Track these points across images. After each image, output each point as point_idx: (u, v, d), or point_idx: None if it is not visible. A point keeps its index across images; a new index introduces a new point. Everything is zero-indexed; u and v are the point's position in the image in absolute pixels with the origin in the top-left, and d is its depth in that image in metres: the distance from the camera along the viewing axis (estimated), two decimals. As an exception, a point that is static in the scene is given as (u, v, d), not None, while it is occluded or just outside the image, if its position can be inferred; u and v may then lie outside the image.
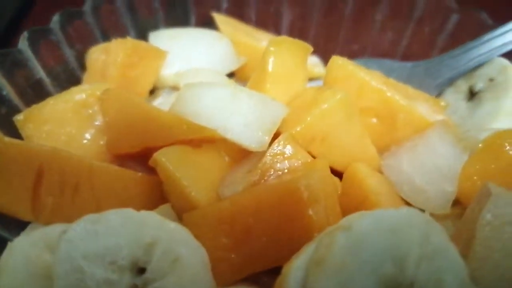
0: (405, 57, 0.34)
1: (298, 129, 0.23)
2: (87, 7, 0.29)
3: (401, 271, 0.15)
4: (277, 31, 0.36)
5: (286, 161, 0.22)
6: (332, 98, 0.23)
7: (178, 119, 0.22)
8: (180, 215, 0.21)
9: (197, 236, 0.19)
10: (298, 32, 0.36)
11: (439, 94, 0.32)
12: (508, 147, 0.22)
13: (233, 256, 0.20)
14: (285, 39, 0.26)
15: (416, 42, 0.34)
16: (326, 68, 0.27)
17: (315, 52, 0.36)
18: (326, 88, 0.25)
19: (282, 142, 0.22)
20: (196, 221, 0.20)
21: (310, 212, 0.19)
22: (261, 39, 0.33)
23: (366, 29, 0.35)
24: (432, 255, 0.16)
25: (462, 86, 0.30)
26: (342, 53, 0.35)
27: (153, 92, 0.30)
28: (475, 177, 0.22)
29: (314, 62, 0.33)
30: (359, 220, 0.16)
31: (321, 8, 0.35)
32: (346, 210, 0.22)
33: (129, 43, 0.26)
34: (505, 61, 0.29)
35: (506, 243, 0.18)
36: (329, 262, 0.15)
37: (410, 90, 0.27)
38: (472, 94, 0.30)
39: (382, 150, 0.26)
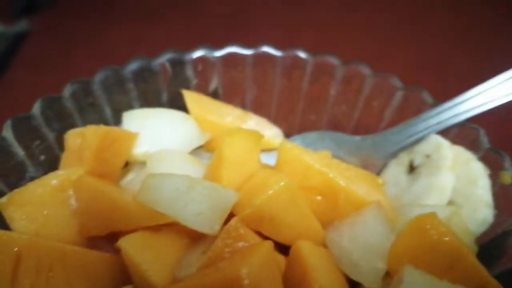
0: (357, 127, 0.38)
1: (247, 212, 0.26)
2: (65, 92, 0.33)
3: None
4: (243, 105, 0.39)
5: (236, 243, 0.25)
6: (276, 184, 0.26)
7: (140, 208, 0.25)
8: (142, 294, 0.24)
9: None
10: (261, 104, 0.40)
11: (384, 165, 0.35)
12: (431, 231, 0.25)
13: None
14: (239, 130, 0.29)
15: (366, 115, 0.37)
16: (278, 151, 0.30)
17: (277, 122, 0.40)
18: (274, 173, 0.28)
19: (233, 225, 0.25)
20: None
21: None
22: (226, 115, 0.36)
23: (323, 102, 0.39)
24: None
25: (404, 159, 0.34)
26: (301, 124, 0.39)
27: (127, 165, 0.33)
28: (401, 257, 0.25)
29: (274, 133, 0.37)
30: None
31: (281, 84, 0.39)
32: (290, 285, 0.25)
33: (102, 129, 0.29)
34: (440, 139, 0.33)
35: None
36: None
37: (352, 169, 0.31)
38: (412, 168, 0.33)
39: (327, 224, 0.30)
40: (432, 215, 0.26)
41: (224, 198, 0.26)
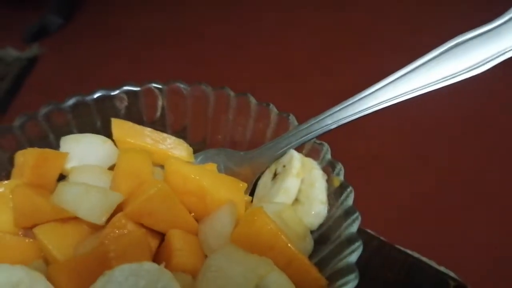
0: (251, 144, 0.48)
1: (129, 209, 0.37)
2: (16, 123, 0.44)
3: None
4: (164, 128, 0.50)
5: (119, 230, 0.36)
6: (153, 188, 0.37)
7: (53, 207, 0.36)
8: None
9: (55, 282, 0.33)
10: (180, 127, 0.51)
11: (261, 173, 0.45)
12: (257, 220, 0.35)
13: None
14: (131, 149, 0.40)
15: (256, 134, 0.48)
16: (165, 165, 0.40)
17: (196, 141, 0.50)
18: (155, 180, 0.38)
19: (117, 218, 0.36)
20: (53, 272, 0.33)
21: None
22: (146, 137, 0.47)
23: (224, 125, 0.49)
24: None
25: (272, 168, 0.44)
26: (210, 143, 0.50)
27: (65, 178, 0.44)
28: (236, 240, 0.35)
29: (183, 152, 0.47)
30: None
31: (193, 111, 0.50)
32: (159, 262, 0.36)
33: (37, 151, 0.40)
34: (293, 152, 0.42)
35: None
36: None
37: (220, 177, 0.41)
38: (275, 175, 0.43)
39: (201, 218, 0.40)
40: (259, 208, 0.36)
41: (111, 198, 0.36)
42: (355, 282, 0.31)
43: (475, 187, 1.25)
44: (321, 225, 0.40)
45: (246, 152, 0.46)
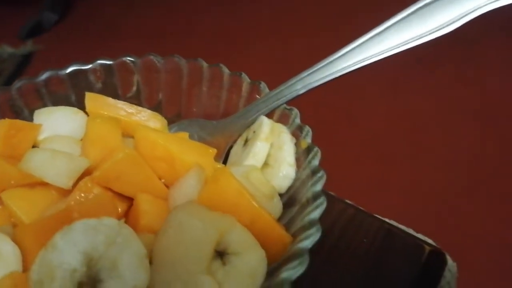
0: (225, 114, 0.48)
1: (96, 173, 0.37)
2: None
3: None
4: (139, 103, 0.50)
5: (86, 194, 0.36)
6: (120, 153, 0.37)
7: (21, 172, 0.36)
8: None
9: (20, 243, 0.33)
10: (155, 101, 0.51)
11: (234, 142, 0.46)
12: (221, 179, 0.35)
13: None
14: (100, 116, 0.40)
15: (229, 106, 0.48)
16: (135, 133, 0.41)
17: (170, 114, 0.50)
18: (123, 146, 0.39)
19: (83, 182, 0.36)
20: (19, 233, 0.34)
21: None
22: (120, 109, 0.47)
23: (198, 97, 0.50)
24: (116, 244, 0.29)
25: (244, 136, 0.44)
26: (185, 116, 0.50)
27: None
28: (202, 200, 0.36)
29: (157, 123, 0.47)
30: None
31: (167, 81, 0.50)
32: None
33: (7, 121, 0.41)
34: (264, 118, 0.43)
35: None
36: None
37: (189, 143, 0.41)
38: (246, 142, 0.44)
39: (172, 184, 0.40)
40: (224, 168, 0.36)
41: (78, 163, 0.37)
42: (316, 236, 0.31)
43: (456, 157, 1.26)
44: (290, 188, 0.40)
45: (218, 121, 0.46)
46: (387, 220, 0.53)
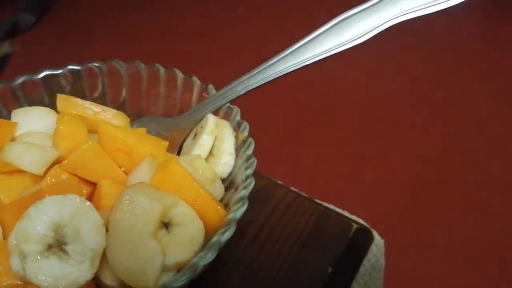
0: (180, 112, 0.56)
1: (65, 162, 0.44)
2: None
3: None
4: (105, 103, 0.57)
5: (55, 179, 0.43)
6: (84, 145, 0.44)
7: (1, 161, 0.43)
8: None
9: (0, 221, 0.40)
10: (119, 101, 0.58)
11: (187, 136, 0.53)
12: (169, 165, 0.43)
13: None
14: (68, 114, 0.47)
15: (183, 104, 0.55)
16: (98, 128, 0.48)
17: (131, 112, 0.58)
18: (88, 140, 0.46)
19: (53, 169, 0.44)
20: (3, 209, 0.41)
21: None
22: (87, 109, 0.54)
23: (156, 97, 0.57)
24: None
25: (194, 130, 0.52)
26: (146, 112, 0.57)
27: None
28: (154, 182, 0.43)
29: (120, 121, 0.54)
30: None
31: (129, 83, 0.57)
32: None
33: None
34: (210, 115, 0.50)
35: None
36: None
37: (144, 136, 0.49)
38: (195, 135, 0.51)
39: (130, 171, 0.47)
40: (172, 156, 0.44)
41: (49, 153, 0.44)
42: (243, 208, 0.39)
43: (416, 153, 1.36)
44: (230, 174, 0.48)
45: (173, 118, 0.54)
46: (325, 204, 0.62)
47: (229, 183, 0.48)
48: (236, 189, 0.44)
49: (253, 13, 2.04)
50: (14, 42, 1.98)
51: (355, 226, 0.55)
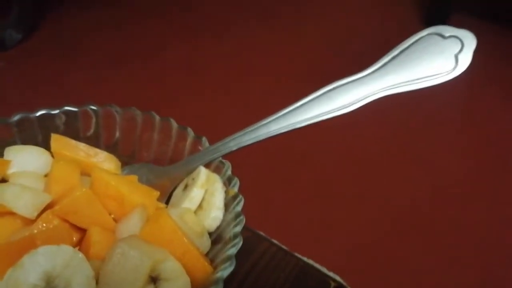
0: (171, 161, 0.57)
1: (57, 208, 0.45)
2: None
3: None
4: (98, 142, 0.58)
5: (47, 224, 0.44)
6: (77, 192, 0.45)
7: (-9, 203, 0.44)
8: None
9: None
10: (111, 142, 0.59)
11: (177, 185, 0.55)
12: (158, 217, 0.44)
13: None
14: (63, 159, 0.48)
15: (175, 153, 0.57)
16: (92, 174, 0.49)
17: (123, 153, 0.59)
18: (81, 186, 0.47)
19: (46, 213, 0.44)
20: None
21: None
22: (80, 151, 0.55)
23: (150, 143, 0.58)
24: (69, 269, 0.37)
25: (185, 181, 0.53)
26: (138, 156, 0.58)
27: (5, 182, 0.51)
28: (144, 235, 0.44)
29: (111, 165, 0.56)
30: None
31: (123, 127, 0.58)
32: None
33: (-20, 157, 0.48)
34: (202, 168, 0.52)
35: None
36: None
37: (136, 185, 0.50)
38: (186, 187, 0.53)
39: (120, 219, 0.48)
40: (163, 209, 0.45)
41: (42, 198, 0.44)
42: (231, 268, 0.40)
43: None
44: (218, 228, 0.49)
45: (165, 167, 0.55)
46: (305, 258, 0.63)
47: (216, 236, 0.49)
48: (224, 244, 0.45)
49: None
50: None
51: (332, 284, 0.57)
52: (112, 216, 0.48)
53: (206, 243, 0.47)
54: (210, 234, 0.49)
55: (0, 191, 0.44)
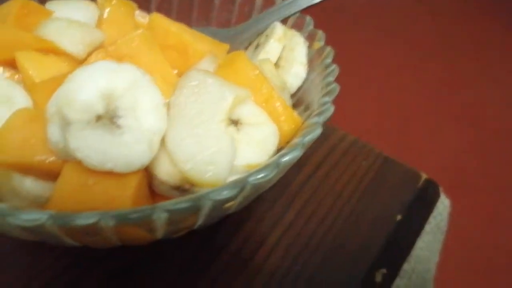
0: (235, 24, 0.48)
1: (111, 47, 0.37)
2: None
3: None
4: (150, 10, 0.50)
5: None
6: (134, 33, 0.37)
7: (34, 37, 0.36)
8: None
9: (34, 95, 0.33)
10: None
11: (245, 48, 0.46)
12: (235, 58, 0.36)
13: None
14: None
15: (239, 14, 0.48)
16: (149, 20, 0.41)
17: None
18: (137, 28, 0.39)
19: (97, 51, 0.36)
20: (35, 87, 0.33)
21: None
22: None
23: (211, 8, 0.50)
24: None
25: (255, 42, 0.45)
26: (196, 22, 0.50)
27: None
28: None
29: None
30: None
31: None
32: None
33: (20, 1, 0.40)
34: (277, 23, 0.43)
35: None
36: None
37: (202, 36, 0.41)
38: (257, 46, 0.44)
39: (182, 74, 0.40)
40: (240, 52, 0.36)
41: (93, 34, 0.36)
42: (329, 113, 0.32)
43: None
44: (299, 89, 0.40)
45: (229, 29, 0.46)
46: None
47: (296, 100, 0.40)
48: (306, 109, 0.37)
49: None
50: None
51: (424, 176, 0.48)
52: (176, 71, 0.40)
53: (287, 99, 0.39)
54: (290, 96, 0.41)
55: (44, 25, 0.36)
